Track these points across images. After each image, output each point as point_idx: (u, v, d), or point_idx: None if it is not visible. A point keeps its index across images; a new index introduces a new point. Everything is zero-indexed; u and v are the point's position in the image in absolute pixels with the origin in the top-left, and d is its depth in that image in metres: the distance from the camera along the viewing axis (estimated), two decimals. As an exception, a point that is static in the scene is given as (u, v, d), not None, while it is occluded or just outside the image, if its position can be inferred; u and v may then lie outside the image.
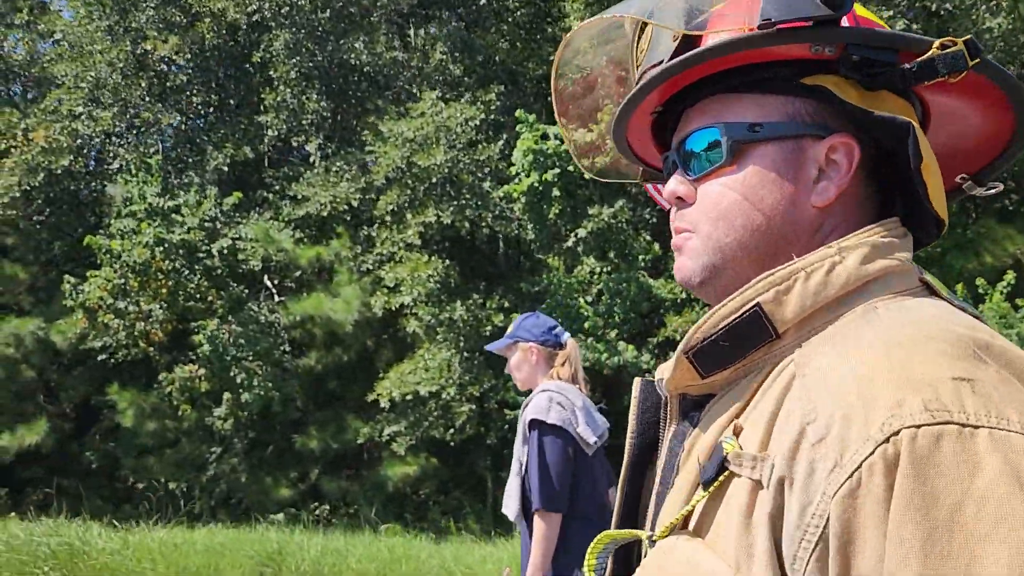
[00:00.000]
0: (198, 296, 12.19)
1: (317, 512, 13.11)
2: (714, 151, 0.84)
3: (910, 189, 0.80)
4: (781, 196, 0.82)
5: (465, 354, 11.21)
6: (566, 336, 3.14)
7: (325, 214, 11.87)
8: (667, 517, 0.78)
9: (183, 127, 14.32)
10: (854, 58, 0.79)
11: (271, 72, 12.46)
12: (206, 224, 11.93)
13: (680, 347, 0.79)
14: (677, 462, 0.83)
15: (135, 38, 13.38)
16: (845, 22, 0.81)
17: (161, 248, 11.39)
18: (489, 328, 11.20)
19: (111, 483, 14.89)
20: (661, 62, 0.85)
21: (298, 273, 12.42)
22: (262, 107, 13.03)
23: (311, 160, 13.01)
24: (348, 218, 12.59)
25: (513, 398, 11.16)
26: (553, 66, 1.01)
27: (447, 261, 11.27)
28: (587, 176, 1.18)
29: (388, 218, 11.44)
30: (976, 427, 0.61)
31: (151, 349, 12.22)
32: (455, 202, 11.12)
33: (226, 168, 13.44)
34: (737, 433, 0.75)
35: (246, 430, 13.30)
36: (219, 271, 12.15)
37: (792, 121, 0.82)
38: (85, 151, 13.76)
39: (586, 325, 10.62)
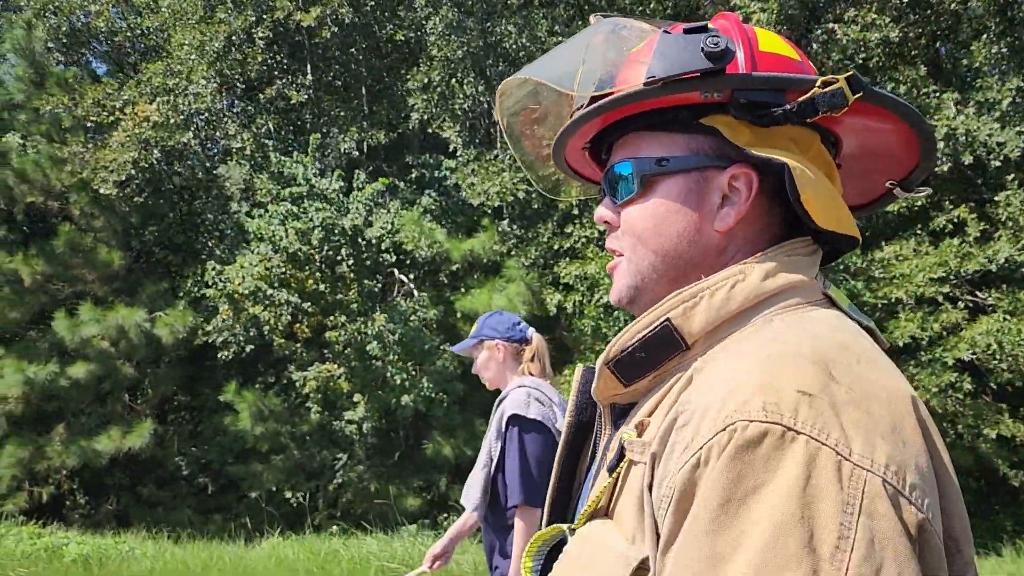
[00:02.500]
0: (345, 289, 11.22)
1: (446, 524, 12.25)
2: (628, 182, 0.94)
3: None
4: (687, 223, 0.91)
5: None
6: (531, 331, 3.10)
7: (495, 205, 11.09)
8: (584, 508, 0.89)
9: (300, 105, 13.26)
10: (741, 101, 0.87)
11: (432, 51, 11.61)
12: (355, 209, 10.99)
13: (601, 359, 0.89)
14: (603, 463, 0.92)
15: (258, 6, 12.31)
16: (741, 61, 0.90)
17: (322, 235, 10.41)
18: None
19: (200, 491, 13.61)
20: (582, 107, 0.96)
21: (455, 267, 11.56)
22: (406, 89, 12.15)
23: (452, 148, 12.21)
24: (507, 209, 11.83)
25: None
26: (496, 113, 1.12)
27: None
28: (549, 197, 1.34)
29: (574, 211, 10.74)
30: (798, 433, 0.71)
31: (297, 346, 11.17)
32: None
33: (356, 153, 12.50)
34: (642, 429, 0.85)
35: (366, 436, 12.31)
36: (368, 262, 11.22)
37: (695, 155, 0.91)
38: (196, 128, 12.56)
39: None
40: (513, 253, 11.79)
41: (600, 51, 0.96)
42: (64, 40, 13.53)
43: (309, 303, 10.91)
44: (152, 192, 12.73)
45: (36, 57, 13.06)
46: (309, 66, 13.66)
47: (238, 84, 13.41)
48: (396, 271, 12.25)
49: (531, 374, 3.02)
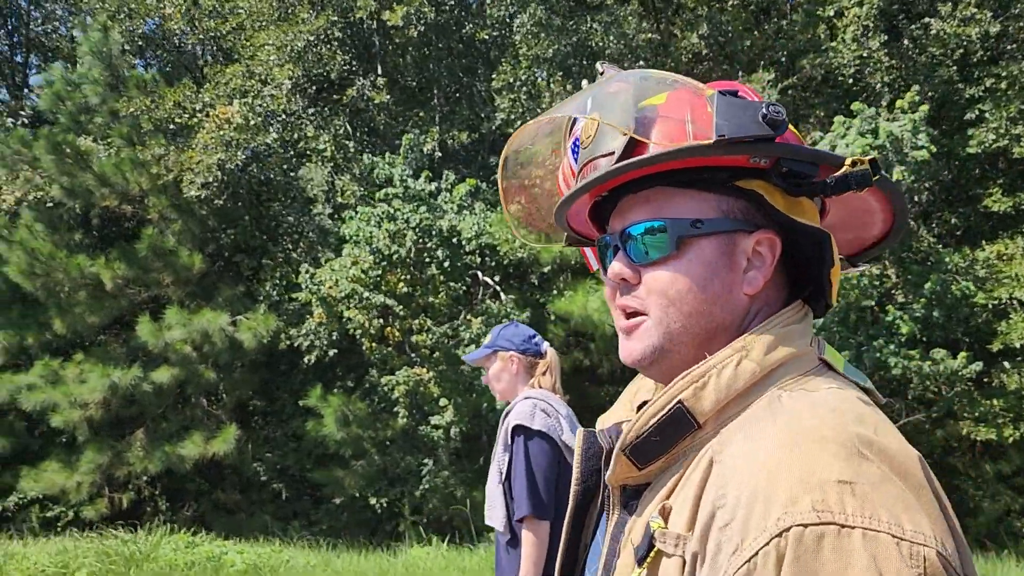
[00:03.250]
0: (433, 291, 11.05)
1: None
2: (659, 241, 0.93)
3: (815, 279, 0.95)
4: (721, 285, 0.93)
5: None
6: (546, 345, 3.04)
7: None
8: None
9: (373, 106, 13.11)
10: (784, 169, 0.91)
11: (522, 48, 11.44)
12: (450, 211, 10.82)
13: (617, 445, 0.91)
14: (619, 548, 0.92)
15: (339, 5, 12.17)
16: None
17: (416, 237, 10.24)
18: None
19: (276, 497, 13.46)
20: (612, 152, 0.95)
21: (545, 269, 11.37)
22: (491, 89, 11.97)
23: (534, 148, 11.98)
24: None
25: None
26: (501, 159, 1.14)
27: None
28: (524, 243, 1.17)
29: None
30: (852, 527, 0.72)
31: (389, 349, 11.00)
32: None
33: (439, 153, 12.33)
34: (665, 514, 0.85)
35: (453, 440, 12.12)
36: (458, 264, 11.04)
37: (726, 218, 0.93)
38: (274, 129, 12.42)
39: (903, 329, 9.92)
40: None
41: (626, 101, 0.95)
42: (140, 43, 13.43)
43: (400, 306, 10.74)
44: (230, 195, 12.58)
45: (112, 60, 13.00)
46: (380, 67, 13.54)
47: (310, 86, 13.28)
48: (480, 273, 12.08)
49: (541, 387, 2.95)
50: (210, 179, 11.26)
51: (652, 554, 0.84)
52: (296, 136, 12.70)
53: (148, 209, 12.72)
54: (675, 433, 0.88)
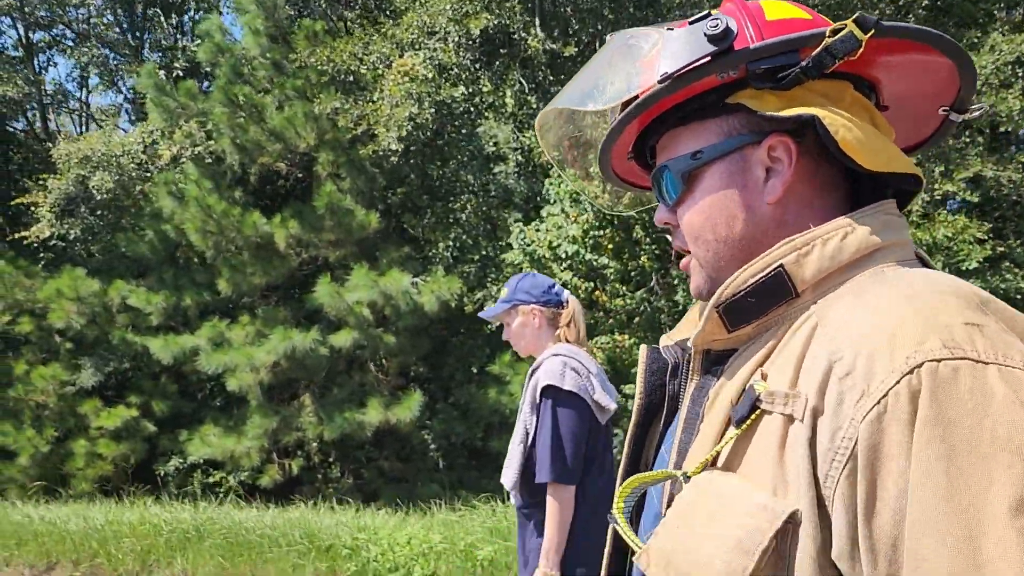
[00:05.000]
0: (641, 253, 10.48)
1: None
2: (671, 182, 0.95)
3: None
4: (736, 206, 0.92)
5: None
6: (567, 294, 2.92)
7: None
8: (698, 456, 0.85)
9: (537, 62, 12.46)
10: (757, 71, 0.88)
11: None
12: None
13: (711, 302, 0.88)
14: (701, 411, 0.90)
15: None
16: (750, 35, 0.90)
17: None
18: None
19: (444, 467, 13.04)
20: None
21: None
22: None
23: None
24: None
25: None
26: (543, 147, 1.17)
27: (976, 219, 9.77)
28: (609, 213, 1.32)
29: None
30: (986, 363, 0.69)
31: (600, 313, 10.47)
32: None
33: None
34: (764, 379, 0.82)
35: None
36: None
37: (729, 137, 0.93)
38: (450, 82, 11.81)
39: None
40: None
41: (616, 65, 0.97)
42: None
43: (612, 267, 10.21)
44: (403, 151, 12.02)
45: (276, 12, 12.42)
46: (538, 20, 12.87)
47: (471, 39, 12.64)
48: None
49: (567, 340, 2.83)
50: (403, 133, 10.68)
51: (753, 416, 0.81)
52: (471, 91, 12.09)
53: (319, 165, 12.18)
54: (771, 298, 0.85)
